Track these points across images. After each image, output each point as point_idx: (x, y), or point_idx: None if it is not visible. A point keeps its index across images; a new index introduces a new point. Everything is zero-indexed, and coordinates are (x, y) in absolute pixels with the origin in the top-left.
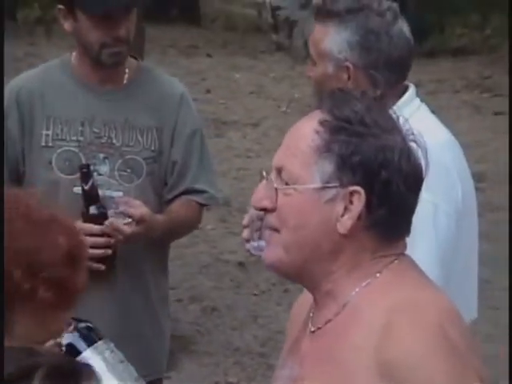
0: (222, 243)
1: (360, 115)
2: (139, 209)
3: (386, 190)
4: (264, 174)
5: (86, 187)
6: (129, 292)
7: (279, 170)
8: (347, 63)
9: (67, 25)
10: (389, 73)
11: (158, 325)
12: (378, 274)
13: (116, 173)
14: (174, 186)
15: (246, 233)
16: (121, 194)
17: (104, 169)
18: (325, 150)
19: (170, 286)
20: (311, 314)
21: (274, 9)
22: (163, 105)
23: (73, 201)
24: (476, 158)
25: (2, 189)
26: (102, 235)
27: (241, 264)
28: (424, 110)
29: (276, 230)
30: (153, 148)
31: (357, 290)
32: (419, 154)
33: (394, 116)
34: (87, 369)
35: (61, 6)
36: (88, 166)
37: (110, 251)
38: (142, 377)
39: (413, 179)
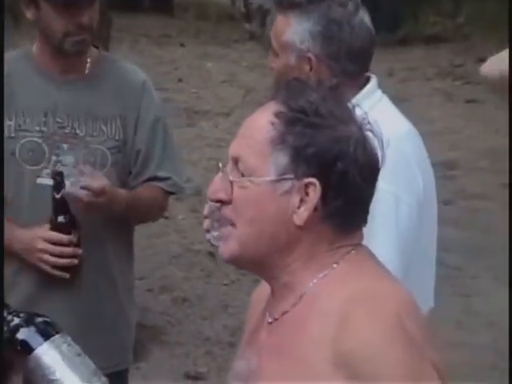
0: (193, 233)
1: (315, 106)
2: (99, 181)
3: (342, 182)
4: (220, 165)
5: (57, 196)
6: (93, 283)
7: (235, 161)
8: (309, 54)
9: (29, 14)
10: (350, 63)
11: (124, 315)
12: (335, 265)
13: (81, 163)
14: (138, 174)
15: (206, 223)
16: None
17: (68, 159)
18: (279, 142)
19: (140, 275)
20: (268, 304)
21: None
22: (126, 93)
23: (37, 192)
24: (448, 145)
25: (2, 189)
26: (68, 245)
27: (211, 254)
28: (385, 102)
29: (232, 224)
30: (117, 137)
31: (314, 281)
32: (375, 143)
33: (350, 106)
34: None
35: None
36: (61, 174)
37: (76, 261)
38: (109, 368)
39: (369, 170)
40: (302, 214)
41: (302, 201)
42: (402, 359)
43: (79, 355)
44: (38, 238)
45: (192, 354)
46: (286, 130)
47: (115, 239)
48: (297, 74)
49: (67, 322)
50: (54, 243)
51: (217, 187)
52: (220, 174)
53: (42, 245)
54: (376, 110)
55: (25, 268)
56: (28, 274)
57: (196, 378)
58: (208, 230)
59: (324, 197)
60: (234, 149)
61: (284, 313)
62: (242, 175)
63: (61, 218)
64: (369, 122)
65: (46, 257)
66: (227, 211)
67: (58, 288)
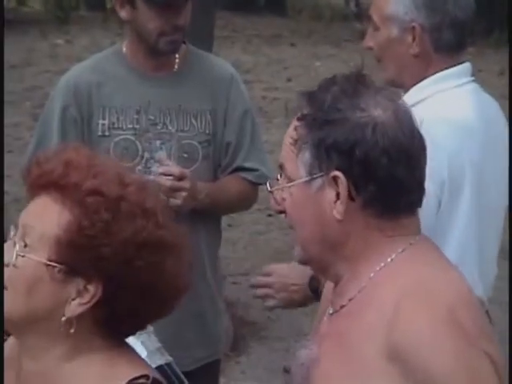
0: None
1: (333, 101)
2: (178, 167)
3: (366, 168)
4: (278, 176)
5: None
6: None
7: (281, 168)
8: (413, 24)
9: (124, 13)
10: (452, 35)
11: (214, 308)
12: (393, 255)
13: (173, 159)
14: (227, 165)
15: None
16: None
17: (161, 155)
18: (302, 143)
19: (243, 272)
20: (332, 297)
21: None
22: (215, 87)
23: None
24: None
25: (2, 189)
26: None
27: None
28: (464, 91)
29: (293, 229)
30: (207, 131)
31: (371, 275)
32: (408, 124)
33: (375, 90)
34: None
35: None
36: None
37: None
38: (201, 359)
39: (395, 151)
40: (338, 208)
41: (338, 195)
42: (452, 350)
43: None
44: None
45: (292, 349)
46: (307, 130)
47: (205, 232)
48: (398, 46)
49: None
50: None
51: (273, 200)
52: (274, 185)
53: None
54: (447, 92)
55: None
56: None
57: None
58: None
59: (355, 185)
60: (280, 157)
61: (342, 306)
62: (288, 182)
63: None
64: (400, 104)
65: None
66: (287, 218)
67: None
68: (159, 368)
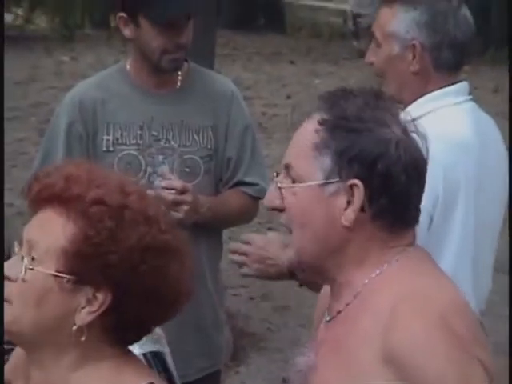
0: None
1: (357, 111)
2: (180, 181)
3: (385, 181)
4: (275, 174)
5: None
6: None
7: (287, 168)
8: (414, 42)
9: (127, 31)
10: (451, 55)
11: (216, 318)
12: (386, 265)
13: (175, 173)
14: (228, 180)
15: None
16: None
17: (163, 170)
18: (323, 147)
19: (243, 284)
20: (328, 304)
21: (356, 16)
22: (216, 103)
23: None
24: None
25: (2, 188)
26: None
27: None
28: (461, 109)
29: (290, 231)
30: (209, 146)
31: (366, 281)
32: (420, 144)
33: (394, 110)
34: None
35: (122, 14)
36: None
37: None
38: (202, 370)
39: (413, 169)
40: (348, 215)
41: (349, 202)
42: (444, 354)
43: None
44: None
45: (291, 360)
46: (329, 135)
47: (207, 245)
48: (399, 64)
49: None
50: None
51: (272, 196)
52: (274, 182)
53: None
54: (444, 110)
55: None
56: None
57: None
58: None
59: (369, 197)
60: (286, 157)
61: (339, 312)
62: (294, 182)
63: None
64: (413, 125)
65: None
66: (283, 219)
67: None
68: (144, 355)
